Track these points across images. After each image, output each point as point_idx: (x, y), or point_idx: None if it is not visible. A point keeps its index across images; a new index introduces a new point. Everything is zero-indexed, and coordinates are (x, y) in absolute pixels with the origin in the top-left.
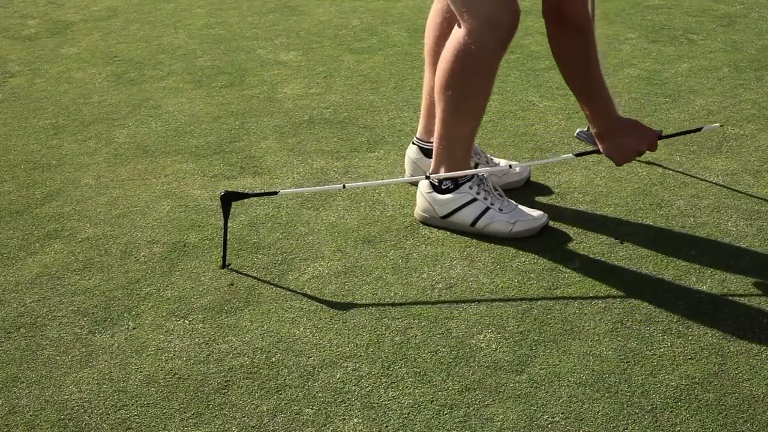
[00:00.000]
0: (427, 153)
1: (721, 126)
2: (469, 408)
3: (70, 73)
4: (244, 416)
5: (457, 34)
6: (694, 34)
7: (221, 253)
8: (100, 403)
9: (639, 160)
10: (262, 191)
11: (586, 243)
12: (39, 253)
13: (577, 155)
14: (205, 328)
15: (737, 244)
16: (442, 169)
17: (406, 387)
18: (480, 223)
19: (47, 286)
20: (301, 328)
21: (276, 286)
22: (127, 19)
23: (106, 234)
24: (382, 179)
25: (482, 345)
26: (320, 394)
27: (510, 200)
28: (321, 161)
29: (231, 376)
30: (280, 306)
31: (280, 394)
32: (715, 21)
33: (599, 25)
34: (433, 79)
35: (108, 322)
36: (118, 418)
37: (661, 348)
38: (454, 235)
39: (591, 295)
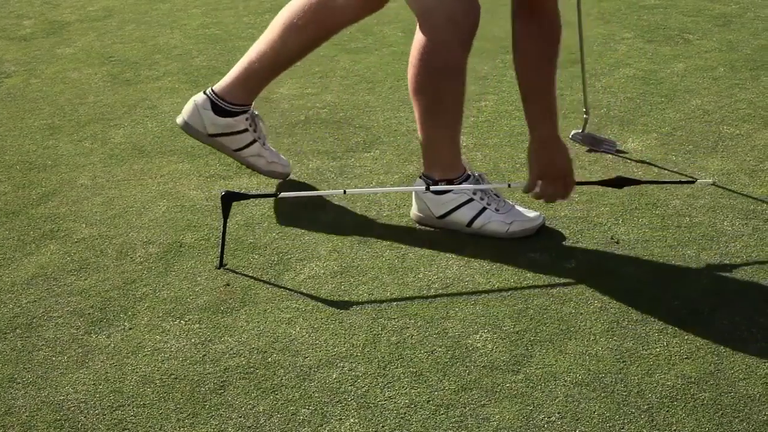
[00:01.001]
0: (215, 107)
1: (713, 184)
2: (465, 408)
3: (65, 74)
4: (240, 416)
5: (419, 36)
6: (690, 33)
7: (218, 253)
8: (96, 403)
9: (632, 159)
10: (264, 192)
11: (582, 243)
12: (35, 254)
13: (578, 184)
14: (201, 328)
15: (733, 244)
16: (436, 173)
17: (403, 387)
18: (476, 224)
19: (43, 287)
20: (298, 328)
21: (272, 286)
22: (123, 19)
23: (102, 234)
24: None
25: (478, 345)
26: (316, 395)
27: (506, 200)
28: (317, 161)
29: (227, 377)
30: (276, 306)
31: (277, 394)
32: (711, 21)
33: (595, 24)
34: (266, 45)
35: (104, 322)
36: (115, 419)
37: (657, 348)
38: (451, 235)
39: (587, 295)
